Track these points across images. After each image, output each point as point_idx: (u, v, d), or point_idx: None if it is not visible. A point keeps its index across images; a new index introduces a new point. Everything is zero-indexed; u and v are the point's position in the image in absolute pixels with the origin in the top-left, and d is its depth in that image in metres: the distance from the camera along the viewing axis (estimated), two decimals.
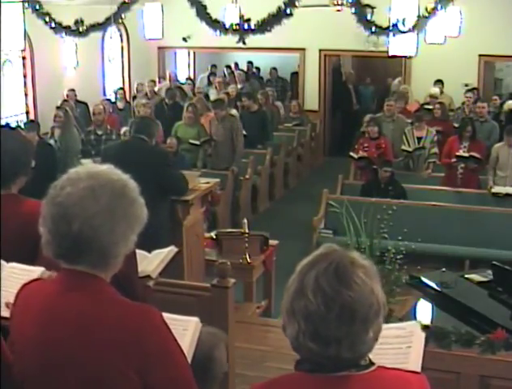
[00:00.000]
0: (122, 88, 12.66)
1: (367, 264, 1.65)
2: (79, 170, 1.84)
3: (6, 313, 2.23)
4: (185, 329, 2.25)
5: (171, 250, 3.65)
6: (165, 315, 1.90)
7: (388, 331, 2.25)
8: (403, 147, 9.18)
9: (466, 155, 8.46)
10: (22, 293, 1.95)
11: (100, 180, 1.80)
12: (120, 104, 11.82)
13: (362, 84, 15.44)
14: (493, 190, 8.26)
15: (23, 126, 9.36)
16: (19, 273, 2.48)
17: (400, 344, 2.21)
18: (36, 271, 2.46)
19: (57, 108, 9.48)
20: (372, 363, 1.66)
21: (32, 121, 9.99)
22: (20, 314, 1.91)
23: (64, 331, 1.79)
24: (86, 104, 11.24)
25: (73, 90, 11.33)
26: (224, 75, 14.81)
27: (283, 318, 1.66)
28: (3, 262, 2.58)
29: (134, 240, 1.87)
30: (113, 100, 12.21)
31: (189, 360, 2.05)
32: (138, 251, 2.99)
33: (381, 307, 1.63)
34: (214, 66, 15.80)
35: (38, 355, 1.81)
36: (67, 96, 11.09)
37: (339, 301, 1.56)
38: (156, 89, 13.16)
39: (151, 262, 3.47)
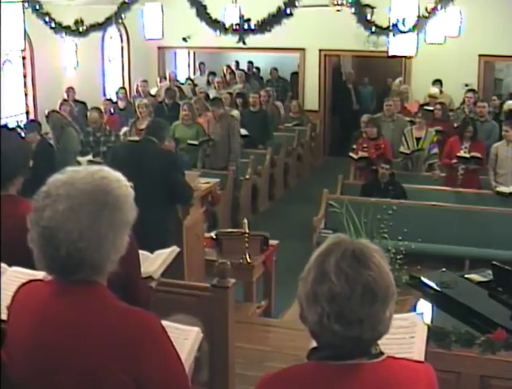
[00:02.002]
0: (124, 88, 12.65)
1: (378, 248, 1.74)
2: (57, 184, 1.79)
3: (4, 316, 2.23)
4: (186, 338, 2.25)
5: (173, 250, 3.63)
6: (168, 324, 1.90)
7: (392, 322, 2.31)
8: (401, 150, 9.17)
9: (467, 155, 8.45)
10: (18, 294, 1.94)
11: (79, 197, 1.76)
12: (121, 104, 11.81)
13: (361, 84, 15.44)
14: (498, 189, 8.25)
15: (23, 126, 9.39)
16: (22, 277, 2.48)
17: (403, 334, 2.29)
18: (39, 276, 2.45)
19: (46, 116, 9.48)
20: (382, 352, 1.72)
21: (32, 120, 10.00)
22: (16, 315, 1.90)
23: (58, 334, 1.78)
24: (84, 103, 11.23)
25: (72, 88, 11.30)
26: (224, 75, 14.81)
27: (300, 306, 1.71)
28: (5, 265, 2.57)
29: (127, 240, 1.86)
30: (114, 99, 12.21)
31: (187, 368, 2.05)
32: (140, 252, 2.99)
33: (395, 289, 1.71)
34: (202, 63, 15.76)
35: (31, 357, 1.81)
36: (67, 95, 11.07)
37: (362, 281, 1.65)
38: (155, 90, 13.16)
39: (153, 262, 3.46)
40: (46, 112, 9.69)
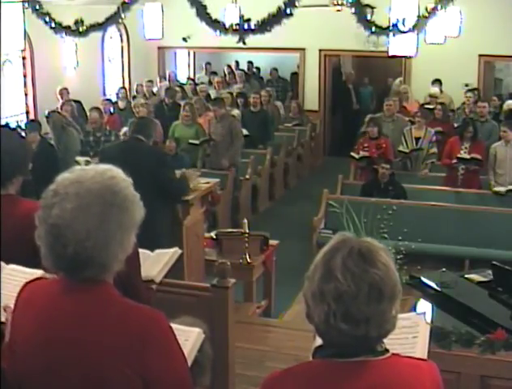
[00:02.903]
0: (124, 88, 12.66)
1: (383, 246, 1.73)
2: (66, 182, 1.79)
3: (2, 317, 2.22)
4: (187, 339, 2.25)
5: (175, 251, 3.62)
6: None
7: None
8: (400, 149, 9.18)
9: (467, 157, 8.45)
10: (24, 292, 1.95)
11: (87, 196, 1.76)
12: (121, 104, 11.80)
13: (361, 84, 15.43)
14: (495, 189, 8.26)
15: (23, 126, 9.39)
16: (19, 276, 2.47)
17: (406, 334, 2.29)
18: (36, 274, 2.45)
19: (47, 116, 9.47)
20: (387, 350, 1.72)
21: (32, 120, 10.00)
22: (22, 312, 1.91)
23: (64, 332, 1.78)
24: (80, 102, 11.21)
25: (65, 89, 11.25)
26: (224, 75, 14.82)
27: (307, 304, 1.71)
28: (2, 263, 2.56)
29: (134, 240, 1.86)
30: (115, 99, 12.20)
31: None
32: (140, 251, 2.98)
33: (401, 287, 1.71)
34: (208, 63, 15.78)
35: (38, 354, 1.81)
36: (61, 95, 10.99)
37: (368, 279, 1.64)
38: (156, 89, 13.17)
39: (155, 265, 3.44)
40: (46, 112, 9.68)
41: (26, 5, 7.25)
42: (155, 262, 3.46)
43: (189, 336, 2.27)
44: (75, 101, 11.24)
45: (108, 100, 11.95)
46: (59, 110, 9.76)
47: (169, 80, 13.36)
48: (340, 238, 1.73)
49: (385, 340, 1.72)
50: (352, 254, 1.66)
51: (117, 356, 1.75)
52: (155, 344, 1.78)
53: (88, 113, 9.38)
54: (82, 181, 1.79)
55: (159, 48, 14.44)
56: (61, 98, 10.96)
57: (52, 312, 1.82)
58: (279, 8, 7.56)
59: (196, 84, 14.11)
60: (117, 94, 12.20)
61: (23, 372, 1.85)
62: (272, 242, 6.55)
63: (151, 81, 12.79)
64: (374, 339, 1.68)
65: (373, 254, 1.68)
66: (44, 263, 1.83)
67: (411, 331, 2.31)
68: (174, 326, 2.13)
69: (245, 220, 6.42)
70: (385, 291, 1.65)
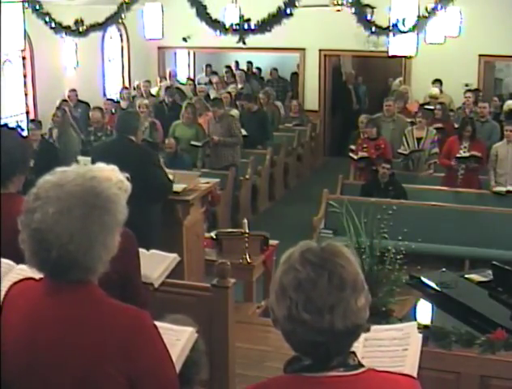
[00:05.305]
0: (127, 88, 12.68)
1: (346, 245, 1.69)
2: (47, 185, 1.79)
3: None
4: (178, 339, 2.24)
5: (175, 258, 3.63)
6: (161, 325, 1.89)
7: (385, 333, 2.26)
8: (400, 150, 9.16)
9: (466, 155, 8.45)
10: (10, 293, 1.95)
11: (68, 199, 1.75)
12: (123, 104, 11.81)
13: (357, 83, 15.41)
14: (494, 189, 8.26)
15: (26, 125, 9.40)
16: (28, 275, 2.47)
17: (396, 346, 2.21)
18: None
19: (57, 108, 9.50)
20: (361, 365, 1.66)
21: (33, 120, 10.00)
22: (8, 313, 1.90)
23: (50, 332, 1.79)
24: (87, 103, 11.23)
25: (74, 90, 11.31)
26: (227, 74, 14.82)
27: (272, 311, 1.65)
28: (12, 263, 2.56)
29: (118, 239, 1.85)
30: (117, 99, 12.21)
31: (178, 369, 2.04)
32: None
33: (365, 283, 1.64)
34: (209, 65, 15.79)
35: (25, 355, 1.81)
36: (69, 96, 11.06)
37: (328, 267, 1.59)
38: (156, 89, 13.17)
39: (155, 268, 3.44)
40: (69, 98, 9.63)
41: (26, 5, 7.26)
42: (154, 265, 3.46)
43: (181, 336, 2.25)
44: (83, 102, 11.27)
45: (111, 99, 11.96)
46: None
47: (169, 78, 13.34)
48: (301, 243, 1.69)
49: (375, 353, 1.66)
50: (312, 248, 1.63)
51: (101, 357, 1.75)
52: (140, 344, 1.78)
53: (90, 113, 9.39)
54: (62, 184, 1.78)
55: (159, 48, 14.44)
56: (70, 99, 10.99)
57: (37, 313, 1.82)
58: (279, 8, 7.57)
59: (195, 84, 14.11)
60: (120, 94, 12.22)
61: (11, 372, 1.84)
62: (272, 242, 6.55)
63: (148, 81, 12.79)
64: (342, 334, 1.59)
65: (333, 246, 1.64)
66: (29, 265, 1.83)
67: (402, 343, 2.23)
68: (166, 326, 2.12)
69: (245, 220, 6.42)
70: (347, 279, 1.58)
